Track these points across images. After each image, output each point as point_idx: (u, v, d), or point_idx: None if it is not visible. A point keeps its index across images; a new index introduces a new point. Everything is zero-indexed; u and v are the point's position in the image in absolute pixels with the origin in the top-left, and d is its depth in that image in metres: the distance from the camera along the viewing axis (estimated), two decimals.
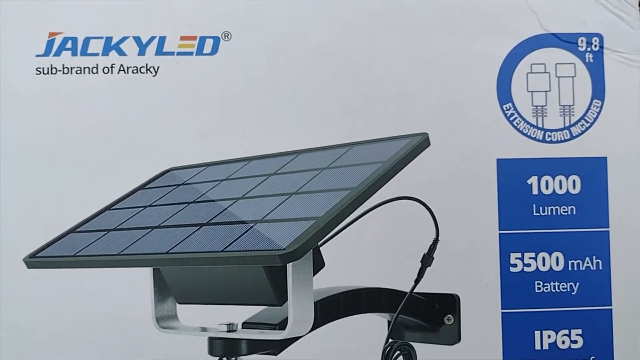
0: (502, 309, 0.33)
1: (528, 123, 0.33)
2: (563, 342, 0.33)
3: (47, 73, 0.32)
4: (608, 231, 0.33)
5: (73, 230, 0.32)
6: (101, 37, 0.32)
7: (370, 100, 0.33)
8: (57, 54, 0.32)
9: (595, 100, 0.34)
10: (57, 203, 0.32)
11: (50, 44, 0.32)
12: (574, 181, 0.33)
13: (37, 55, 0.32)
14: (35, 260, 0.31)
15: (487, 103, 0.33)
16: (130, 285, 0.32)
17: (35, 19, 0.32)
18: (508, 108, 0.33)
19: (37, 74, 0.32)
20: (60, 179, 0.32)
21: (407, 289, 0.32)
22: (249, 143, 0.33)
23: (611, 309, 0.32)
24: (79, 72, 0.32)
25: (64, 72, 0.32)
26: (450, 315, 0.33)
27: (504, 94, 0.33)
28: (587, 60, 0.33)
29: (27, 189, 0.31)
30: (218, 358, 0.30)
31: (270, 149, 0.33)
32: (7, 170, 0.31)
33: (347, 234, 0.31)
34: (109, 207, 0.32)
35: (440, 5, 0.33)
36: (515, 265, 0.33)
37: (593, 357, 0.32)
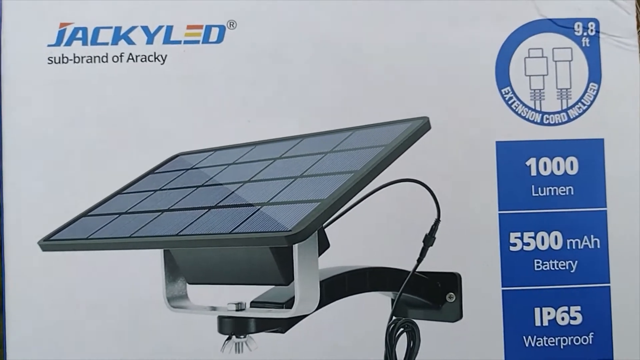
0: (502, 286, 0.33)
1: (526, 106, 0.34)
2: (562, 319, 0.33)
3: (59, 62, 0.33)
4: (605, 210, 0.33)
5: (85, 214, 0.33)
6: (110, 27, 0.33)
7: (372, 86, 0.33)
8: (68, 43, 0.33)
9: (592, 84, 0.34)
10: (70, 188, 0.32)
11: (61, 34, 0.33)
12: (571, 162, 0.33)
13: (49, 45, 0.33)
14: (50, 243, 0.32)
15: (486, 87, 0.33)
16: (142, 267, 0.32)
17: (46, 10, 0.33)
18: (506, 92, 0.34)
19: (48, 63, 0.33)
20: (73, 165, 0.32)
21: (410, 269, 0.33)
22: (255, 129, 0.33)
23: (609, 286, 0.33)
24: (89, 61, 0.33)
25: (74, 62, 0.33)
26: (452, 293, 0.34)
27: (503, 78, 0.34)
28: (583, 45, 0.34)
29: (41, 175, 0.32)
30: (227, 336, 0.31)
31: (275, 134, 0.33)
32: (21, 157, 0.32)
33: (351, 216, 0.32)
34: (120, 192, 0.33)
35: None
36: (515, 245, 0.33)
37: (592, 332, 0.33)
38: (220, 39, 0.33)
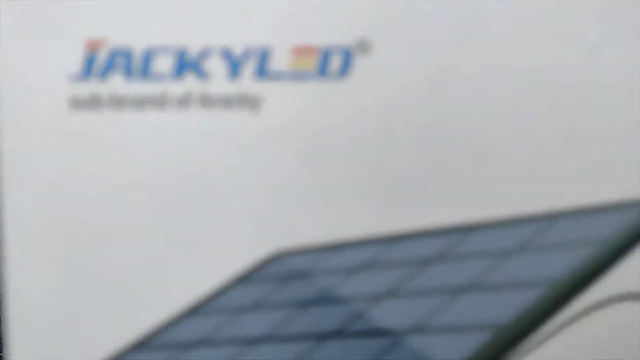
0: None
1: None
2: None
3: (87, 108, 0.21)
4: None
5: (134, 347, 0.22)
6: (170, 49, 0.21)
7: (579, 142, 0.21)
8: (102, 75, 0.21)
9: None
10: (104, 300, 0.21)
11: (90, 60, 0.21)
12: None
13: (71, 79, 0.21)
14: None
15: None
16: None
17: (64, 21, 0.20)
18: None
19: (70, 108, 0.21)
20: (107, 264, 0.21)
21: None
22: (399, 215, 0.21)
23: None
24: (138, 106, 0.21)
25: (112, 107, 0.21)
26: None
27: None
28: None
29: (58, 288, 0.20)
30: None
31: (430, 223, 0.22)
32: (29, 250, 0.20)
33: (542, 350, 0.22)
34: (191, 310, 0.22)
35: None
36: None
37: None
38: (344, 69, 0.21)
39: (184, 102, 0.21)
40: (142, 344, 0.22)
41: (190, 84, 0.21)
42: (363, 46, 0.21)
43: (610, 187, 0.22)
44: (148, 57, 0.21)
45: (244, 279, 0.22)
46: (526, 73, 0.22)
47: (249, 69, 0.21)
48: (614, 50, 0.21)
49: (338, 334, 0.22)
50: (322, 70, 0.21)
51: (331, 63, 0.21)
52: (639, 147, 0.21)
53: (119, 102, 0.21)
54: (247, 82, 0.21)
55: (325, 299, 0.22)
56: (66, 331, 0.21)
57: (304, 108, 0.21)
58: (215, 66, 0.21)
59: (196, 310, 0.22)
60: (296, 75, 0.21)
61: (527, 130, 0.22)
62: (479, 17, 0.21)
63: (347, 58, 0.21)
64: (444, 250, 0.22)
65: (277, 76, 0.21)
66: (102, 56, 0.21)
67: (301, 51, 0.21)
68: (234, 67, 0.21)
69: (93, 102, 0.21)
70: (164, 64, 0.21)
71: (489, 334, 0.21)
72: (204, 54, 0.21)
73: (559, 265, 0.21)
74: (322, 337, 0.22)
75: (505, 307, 0.21)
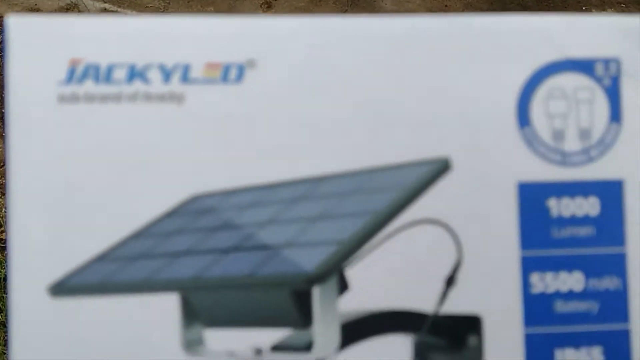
0: (523, 329, 0.33)
1: (547, 147, 0.34)
2: None
3: (70, 102, 0.31)
4: (625, 252, 0.33)
5: (97, 259, 0.32)
6: (125, 64, 0.32)
7: (391, 128, 0.33)
8: (80, 81, 0.31)
9: (613, 124, 0.34)
10: (80, 234, 0.31)
11: (72, 71, 0.32)
12: (592, 203, 0.34)
13: (59, 83, 0.31)
14: (60, 288, 0.31)
15: (507, 127, 0.33)
16: (156, 314, 0.31)
17: (56, 46, 0.31)
18: (527, 132, 0.34)
19: (58, 102, 0.31)
20: (83, 209, 0.31)
21: (431, 311, 0.33)
22: (276, 170, 0.32)
23: (630, 328, 0.33)
24: (102, 100, 0.32)
25: (86, 101, 0.31)
26: (473, 337, 0.33)
27: (523, 118, 0.34)
28: (605, 85, 0.34)
29: (49, 220, 0.31)
30: None
31: (296, 176, 0.33)
32: (29, 201, 0.31)
33: (370, 258, 0.32)
34: (133, 236, 0.32)
35: (458, 34, 0.33)
36: (536, 286, 0.33)
37: None
38: (238, 78, 0.32)
39: (133, 98, 0.32)
40: (101, 258, 0.32)
41: (137, 86, 0.32)
42: (251, 63, 0.33)
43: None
44: (110, 69, 0.32)
45: (171, 213, 0.32)
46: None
47: (176, 76, 0.32)
48: None
49: (236, 249, 0.32)
50: (225, 78, 0.32)
51: (230, 74, 0.33)
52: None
53: (90, 99, 0.32)
54: (175, 85, 0.32)
55: (227, 226, 0.32)
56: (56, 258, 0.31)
57: (212, 102, 0.32)
58: (154, 75, 0.32)
59: (138, 235, 0.32)
60: (207, 81, 0.32)
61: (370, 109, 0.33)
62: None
63: (241, 71, 0.33)
64: (305, 193, 0.32)
65: (195, 81, 0.32)
66: (80, 68, 0.32)
67: (210, 66, 0.32)
68: (167, 75, 0.32)
69: (73, 99, 0.32)
70: (120, 73, 0.32)
71: (335, 247, 0.31)
72: (147, 67, 0.32)
73: (379, 201, 0.32)
74: (224, 251, 0.32)
75: (346, 229, 0.31)
